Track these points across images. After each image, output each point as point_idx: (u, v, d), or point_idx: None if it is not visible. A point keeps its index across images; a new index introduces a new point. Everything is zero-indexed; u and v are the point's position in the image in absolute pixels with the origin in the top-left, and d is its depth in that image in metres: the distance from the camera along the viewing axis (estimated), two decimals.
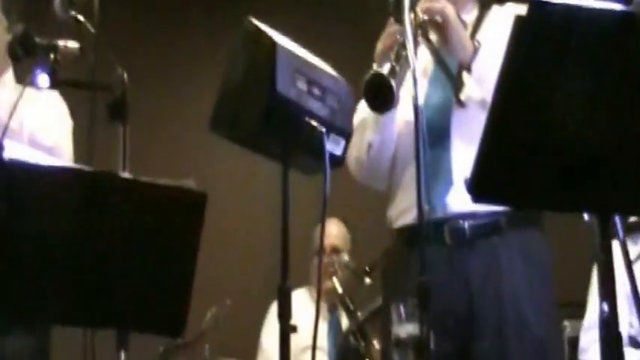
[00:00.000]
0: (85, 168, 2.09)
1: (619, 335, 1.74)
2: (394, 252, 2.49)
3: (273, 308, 2.66)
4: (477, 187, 1.68)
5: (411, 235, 2.33)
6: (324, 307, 3.86)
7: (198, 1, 5.11)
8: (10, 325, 2.53)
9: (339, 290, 3.65)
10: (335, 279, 3.67)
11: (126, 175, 2.11)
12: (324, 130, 2.23)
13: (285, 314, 2.18)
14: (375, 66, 2.25)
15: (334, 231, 3.99)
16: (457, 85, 2.34)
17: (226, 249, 4.34)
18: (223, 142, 2.32)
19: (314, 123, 2.23)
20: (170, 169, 3.17)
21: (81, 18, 2.37)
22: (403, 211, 2.42)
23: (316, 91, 2.27)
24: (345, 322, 3.73)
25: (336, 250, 3.91)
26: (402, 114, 2.36)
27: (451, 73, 2.38)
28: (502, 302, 2.32)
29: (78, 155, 2.83)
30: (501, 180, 1.70)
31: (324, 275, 3.58)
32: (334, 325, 3.88)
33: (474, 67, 2.31)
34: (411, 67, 2.05)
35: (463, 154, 2.30)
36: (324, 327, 3.79)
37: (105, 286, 1.93)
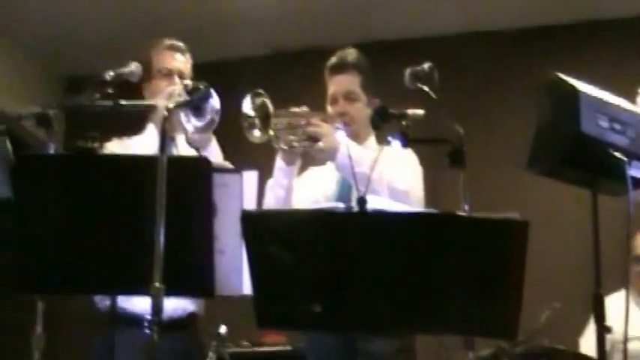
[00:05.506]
0: (432, 210, 2.53)
1: None
2: None
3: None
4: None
5: None
6: None
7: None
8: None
9: None
10: None
11: (463, 212, 2.53)
12: (625, 159, 2.62)
13: (600, 317, 2.64)
14: None
15: None
16: None
17: (545, 264, 4.78)
18: (538, 177, 2.76)
19: (616, 154, 2.64)
20: (497, 203, 3.70)
21: (425, 88, 2.88)
22: None
23: (617, 126, 2.66)
24: None
25: None
26: None
27: None
28: None
29: (427, 196, 3.38)
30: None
31: None
32: None
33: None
34: None
35: None
36: None
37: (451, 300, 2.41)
